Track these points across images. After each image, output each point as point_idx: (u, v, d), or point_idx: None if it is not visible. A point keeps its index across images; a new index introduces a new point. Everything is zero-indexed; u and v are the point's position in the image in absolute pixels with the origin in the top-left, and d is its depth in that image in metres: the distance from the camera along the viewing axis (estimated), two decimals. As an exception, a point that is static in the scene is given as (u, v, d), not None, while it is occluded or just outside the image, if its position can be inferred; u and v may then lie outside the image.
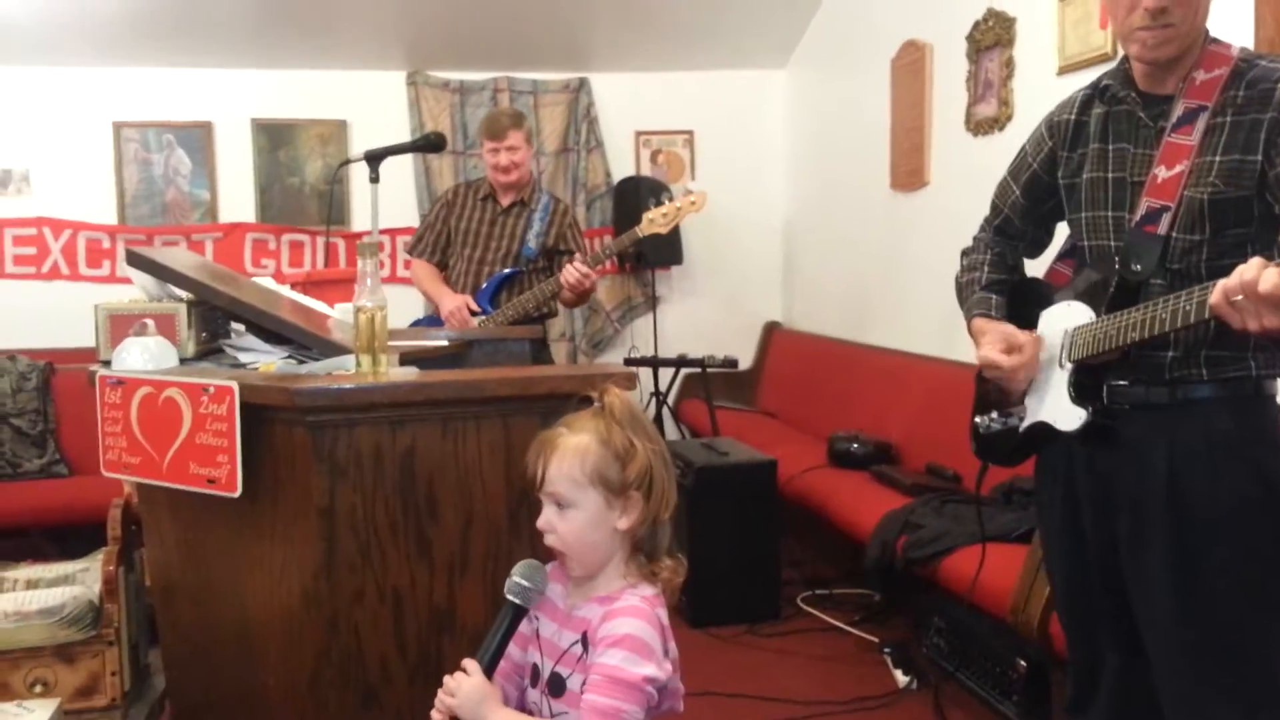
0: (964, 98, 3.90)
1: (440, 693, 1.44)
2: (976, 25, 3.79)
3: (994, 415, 1.85)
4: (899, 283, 4.41)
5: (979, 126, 3.80)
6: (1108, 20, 3.05)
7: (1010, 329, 1.77)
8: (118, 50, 4.88)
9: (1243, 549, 1.56)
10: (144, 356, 1.90)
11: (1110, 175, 1.71)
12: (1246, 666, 1.57)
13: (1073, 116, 1.80)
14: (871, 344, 4.56)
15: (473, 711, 1.41)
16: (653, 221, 3.46)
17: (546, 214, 3.66)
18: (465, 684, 1.41)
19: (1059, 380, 1.70)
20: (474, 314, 3.55)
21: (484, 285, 3.61)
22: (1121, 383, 1.64)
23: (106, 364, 1.96)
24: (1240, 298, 1.34)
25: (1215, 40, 1.64)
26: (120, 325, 2.04)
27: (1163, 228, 1.60)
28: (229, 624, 1.91)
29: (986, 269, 1.92)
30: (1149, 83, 1.67)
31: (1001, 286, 1.89)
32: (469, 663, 1.43)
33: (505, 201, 3.67)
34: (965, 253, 2.00)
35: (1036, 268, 2.01)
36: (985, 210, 2.03)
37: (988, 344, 1.77)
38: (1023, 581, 2.46)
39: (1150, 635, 1.66)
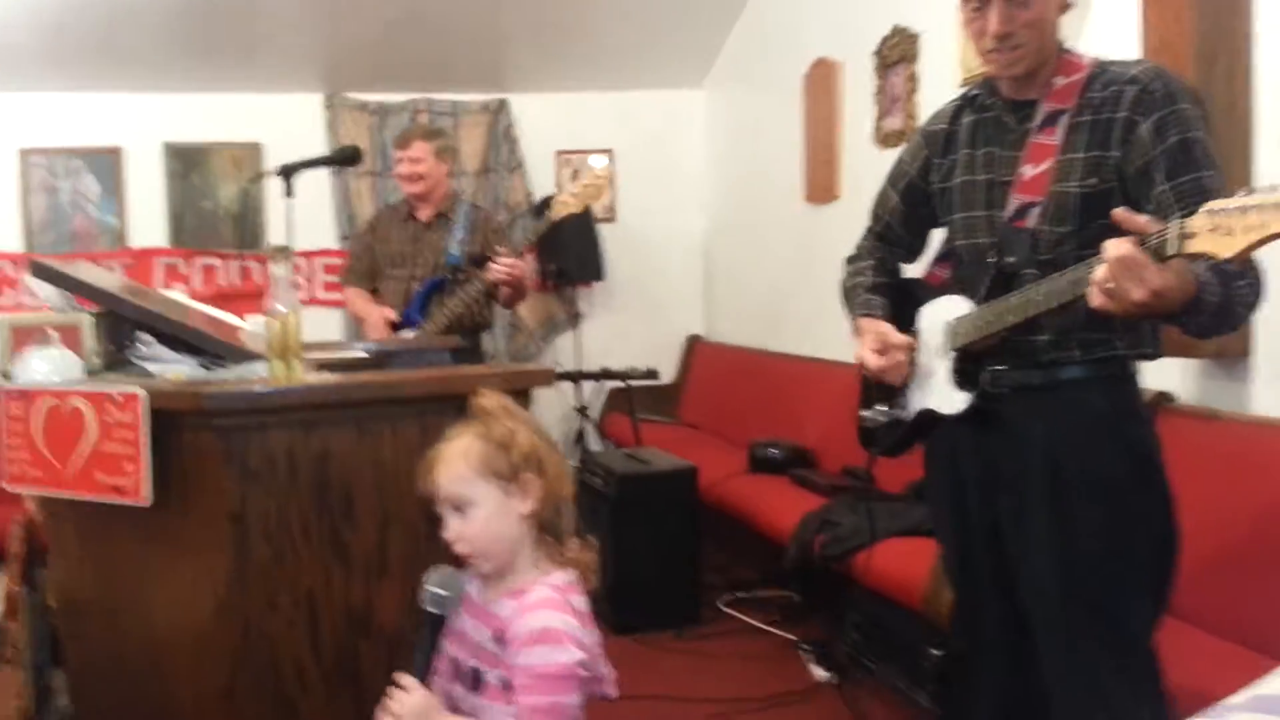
0: (872, 112, 4.03)
1: (382, 715, 1.43)
2: (884, 42, 3.93)
3: (879, 408, 1.95)
4: (813, 292, 4.51)
5: (887, 139, 3.93)
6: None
7: (887, 329, 1.87)
8: (24, 76, 4.77)
9: (1114, 514, 1.66)
10: (47, 367, 1.87)
11: (981, 178, 1.81)
12: (1115, 622, 1.67)
13: (945, 126, 1.91)
14: (788, 353, 4.66)
15: None
16: (564, 203, 3.47)
17: (468, 221, 3.67)
18: (408, 701, 1.41)
19: (942, 369, 1.79)
20: (401, 326, 3.54)
21: (413, 299, 3.61)
22: (1000, 367, 1.73)
23: (7, 376, 1.93)
24: (1111, 284, 1.41)
25: (1068, 50, 1.76)
26: (23, 338, 2.01)
27: (1032, 221, 1.71)
28: (138, 638, 1.88)
29: (870, 273, 2.02)
30: (1013, 90, 1.79)
31: (884, 289, 1.99)
32: (404, 677, 1.43)
33: (424, 217, 3.67)
34: (850, 260, 2.11)
35: (914, 273, 2.11)
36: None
37: (864, 343, 1.89)
38: (935, 572, 2.53)
39: (1033, 599, 1.74)
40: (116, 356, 2.12)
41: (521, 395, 1.87)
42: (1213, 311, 1.47)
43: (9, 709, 2.06)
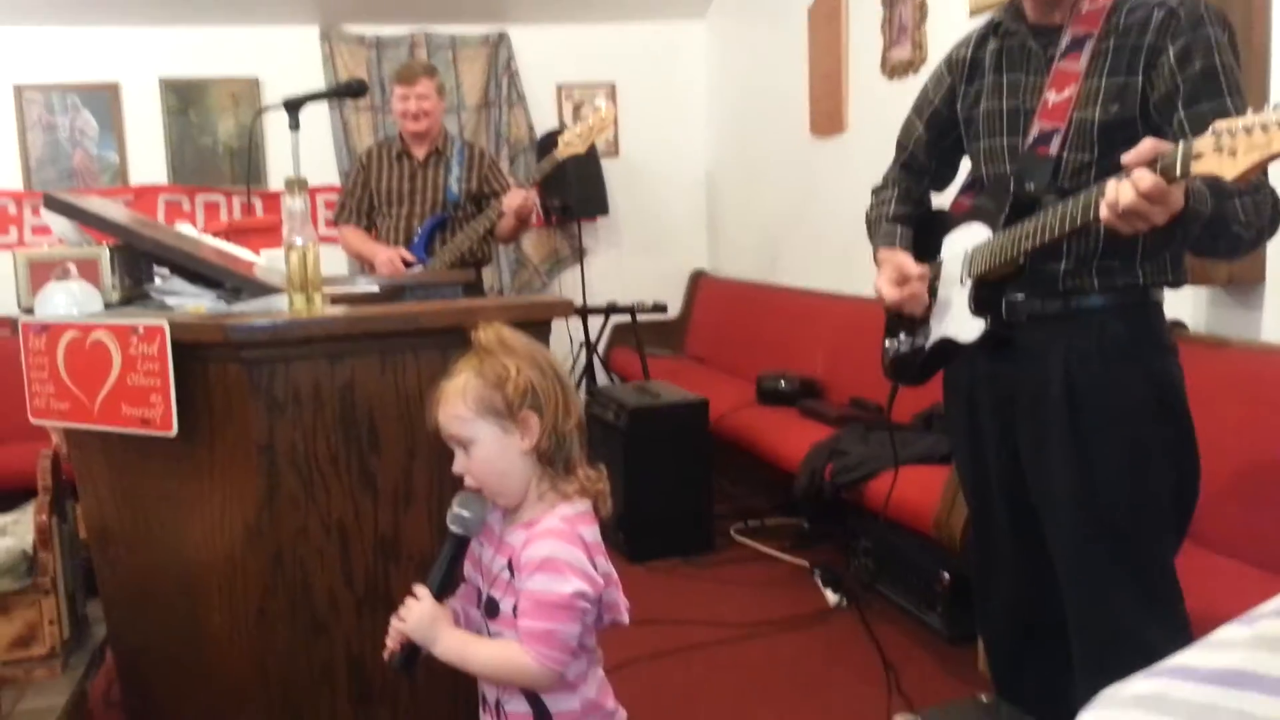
0: (879, 43, 3.97)
1: (393, 619, 1.47)
2: (890, -30, 3.86)
3: (902, 337, 1.95)
4: (818, 225, 4.50)
5: (894, 70, 3.89)
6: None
7: (904, 260, 1.85)
8: (17, 10, 4.69)
9: (1132, 440, 1.67)
10: (68, 300, 1.87)
11: (1005, 104, 1.79)
12: (1135, 549, 1.69)
13: (969, 53, 1.88)
14: (792, 285, 4.66)
15: (424, 633, 1.45)
16: (569, 144, 3.46)
17: (463, 158, 3.68)
18: (416, 608, 1.45)
19: (960, 297, 1.79)
20: (409, 265, 3.55)
21: (415, 238, 3.61)
22: (1018, 296, 1.72)
23: (29, 312, 1.93)
24: (1123, 208, 1.39)
25: None
26: (41, 272, 2.00)
27: (1054, 148, 1.69)
28: (169, 566, 1.91)
29: (893, 203, 2.01)
30: (1038, 15, 1.76)
31: (907, 219, 1.98)
32: (419, 588, 1.47)
33: (420, 154, 3.66)
34: (875, 190, 2.09)
35: (944, 201, 2.09)
36: (901, 151, 2.12)
37: (882, 275, 1.88)
38: (945, 498, 2.58)
39: (1050, 524, 1.77)
40: (134, 290, 2.13)
41: (541, 326, 1.88)
42: (1205, 223, 1.45)
43: (45, 634, 2.10)
